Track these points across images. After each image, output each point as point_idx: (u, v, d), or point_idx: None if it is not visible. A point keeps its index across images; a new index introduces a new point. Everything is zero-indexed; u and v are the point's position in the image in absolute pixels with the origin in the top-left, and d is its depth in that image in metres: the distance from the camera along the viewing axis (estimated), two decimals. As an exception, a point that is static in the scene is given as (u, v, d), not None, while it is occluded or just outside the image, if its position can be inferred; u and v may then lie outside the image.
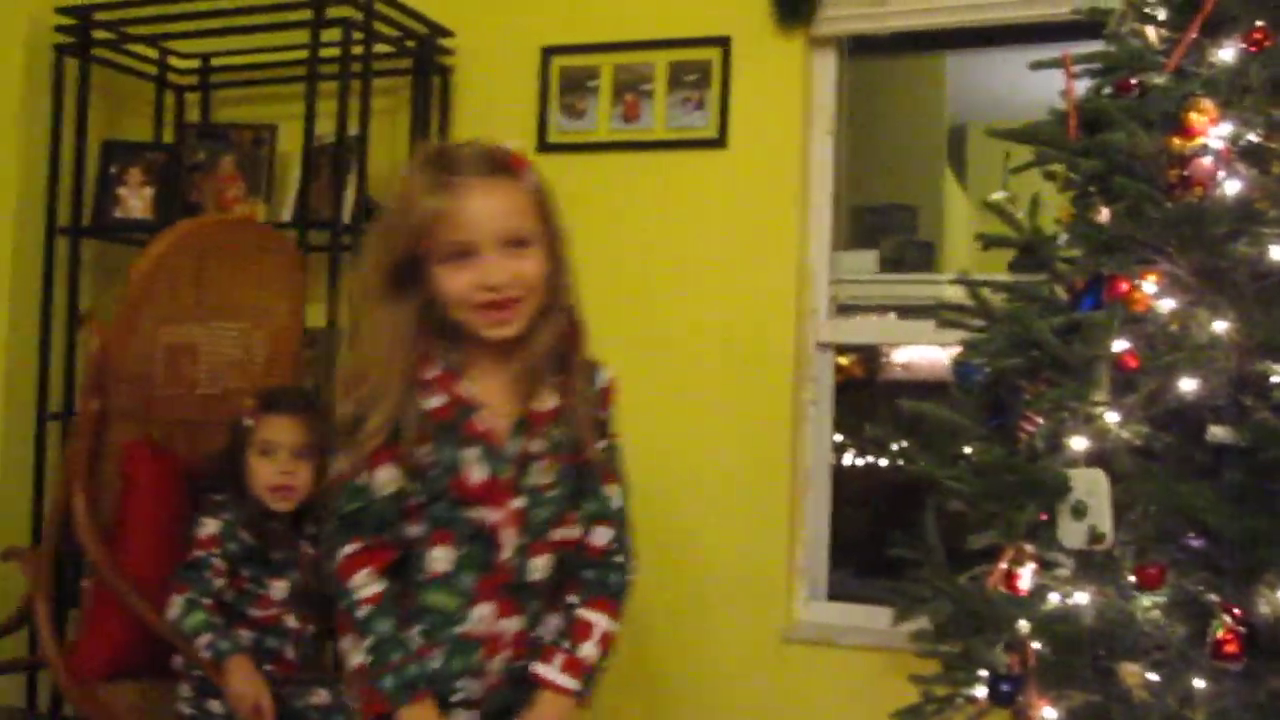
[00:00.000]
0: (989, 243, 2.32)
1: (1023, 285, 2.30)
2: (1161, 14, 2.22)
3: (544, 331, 1.71)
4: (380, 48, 3.28)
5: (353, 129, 3.21)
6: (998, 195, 2.32)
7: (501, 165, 1.67)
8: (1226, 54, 2.12)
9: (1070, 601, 2.07)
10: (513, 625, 1.72)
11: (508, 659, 1.73)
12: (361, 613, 1.69)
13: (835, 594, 3.26)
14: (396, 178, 1.75)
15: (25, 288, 3.45)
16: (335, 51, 3.15)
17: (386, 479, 1.70)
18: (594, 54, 3.34)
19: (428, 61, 3.41)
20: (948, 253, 5.15)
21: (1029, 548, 2.14)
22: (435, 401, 1.70)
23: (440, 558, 1.70)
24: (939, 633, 2.27)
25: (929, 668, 2.32)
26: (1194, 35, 2.14)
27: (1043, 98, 2.38)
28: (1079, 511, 1.98)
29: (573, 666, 1.74)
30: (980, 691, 2.18)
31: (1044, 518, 2.08)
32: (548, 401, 1.74)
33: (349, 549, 1.72)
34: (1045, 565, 2.15)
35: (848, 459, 4.04)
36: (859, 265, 3.32)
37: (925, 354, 4.63)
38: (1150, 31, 2.24)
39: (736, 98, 3.22)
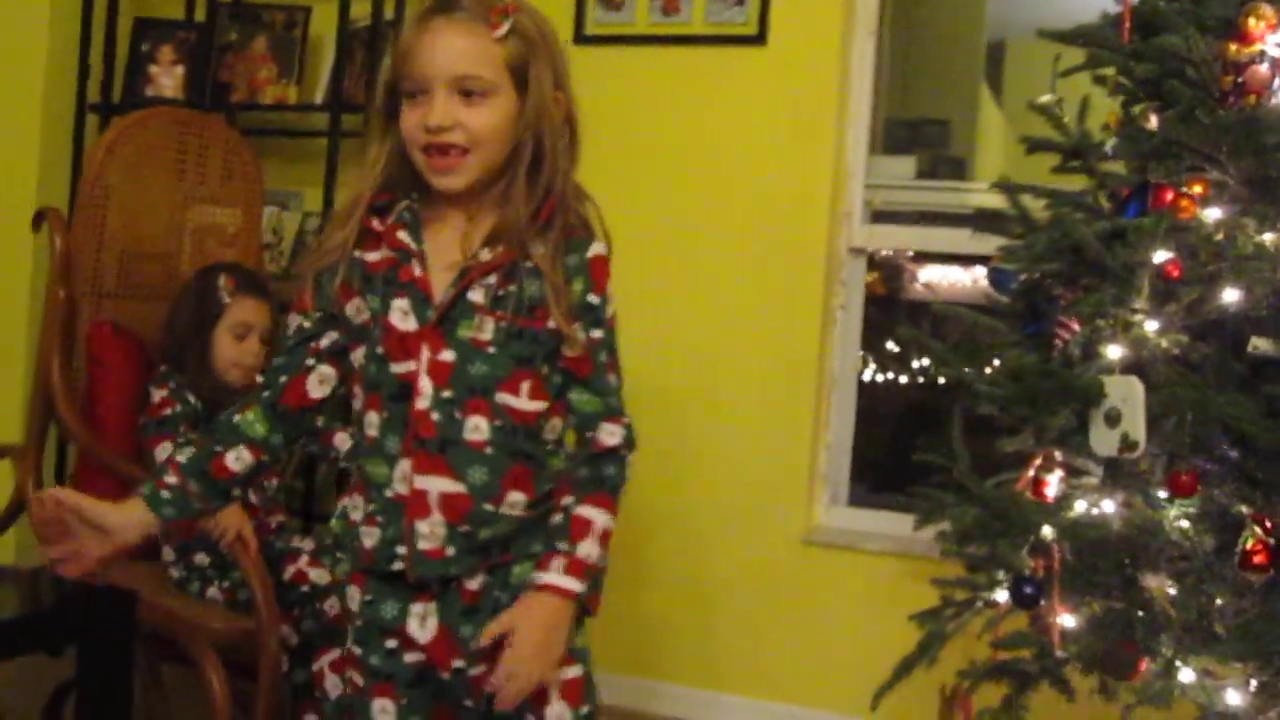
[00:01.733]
0: (1033, 146, 2.28)
1: (1066, 193, 2.26)
2: (1223, -85, 2.16)
3: (505, 192, 1.62)
4: (417, -70, 3.21)
5: (388, 14, 3.17)
6: (1045, 98, 2.28)
7: (475, 9, 1.60)
8: (1289, -42, 2.07)
9: (1097, 510, 2.07)
10: (440, 485, 1.59)
11: (446, 524, 1.60)
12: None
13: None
14: None
15: (55, 164, 3.43)
16: (372, -68, 3.09)
17: (295, 327, 1.71)
18: (635, -56, 3.28)
19: (465, -53, 3.34)
20: (980, 169, 5.09)
21: (1058, 454, 2.14)
22: (374, 255, 1.65)
23: (373, 423, 1.62)
24: (962, 537, 2.27)
25: (949, 574, 2.33)
26: (1256, -63, 2.08)
27: (1084, 17, 2.33)
28: (1112, 419, 1.97)
29: (575, 568, 1.60)
30: (1001, 596, 2.19)
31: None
32: (497, 254, 1.62)
33: None
34: (1073, 473, 2.14)
35: (867, 375, 4.03)
36: (896, 171, 3.28)
37: (948, 274, 4.60)
38: (1211, -67, 2.18)
39: (778, -6, 3.16)
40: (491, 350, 1.60)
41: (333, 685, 2.48)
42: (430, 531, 1.60)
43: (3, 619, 2.09)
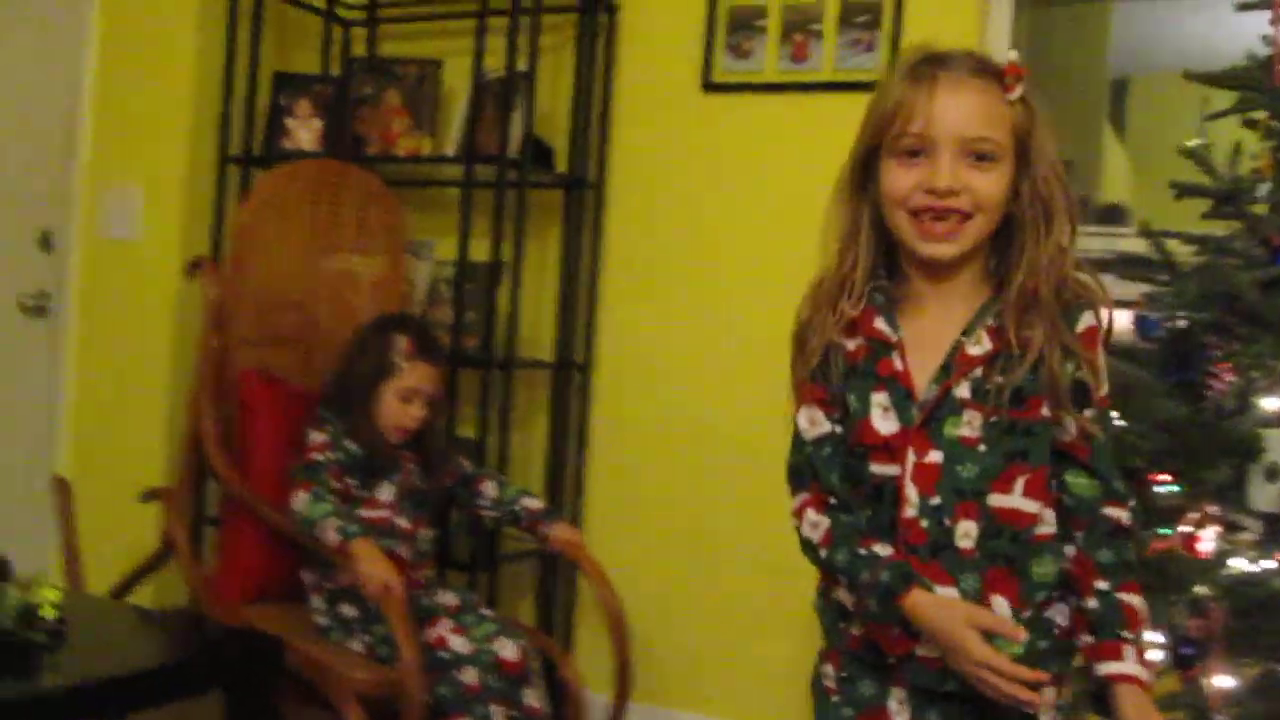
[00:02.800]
0: (1183, 191, 2.23)
1: (1216, 238, 2.21)
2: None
3: (997, 269, 1.51)
4: (548, -16, 3.27)
5: (520, 65, 3.22)
6: (1193, 142, 2.23)
7: (987, 68, 1.50)
8: None
9: (1254, 568, 2.00)
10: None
11: None
12: (823, 555, 1.56)
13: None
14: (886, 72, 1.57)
15: (197, 215, 3.52)
16: (504, -13, 3.14)
17: (807, 423, 1.58)
18: (763, -7, 3.29)
19: (595, -1, 3.39)
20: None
21: (1212, 509, 2.07)
22: (852, 343, 1.55)
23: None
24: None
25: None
26: None
27: (1205, 50, 2.28)
28: (1273, 474, 1.91)
29: (1144, 659, 1.50)
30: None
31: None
32: (984, 343, 1.50)
33: (794, 503, 1.60)
34: (1230, 528, 2.07)
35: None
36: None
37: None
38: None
39: (908, 40, 3.13)
40: (982, 448, 1.49)
41: None
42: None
43: (153, 666, 2.13)
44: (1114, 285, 2.56)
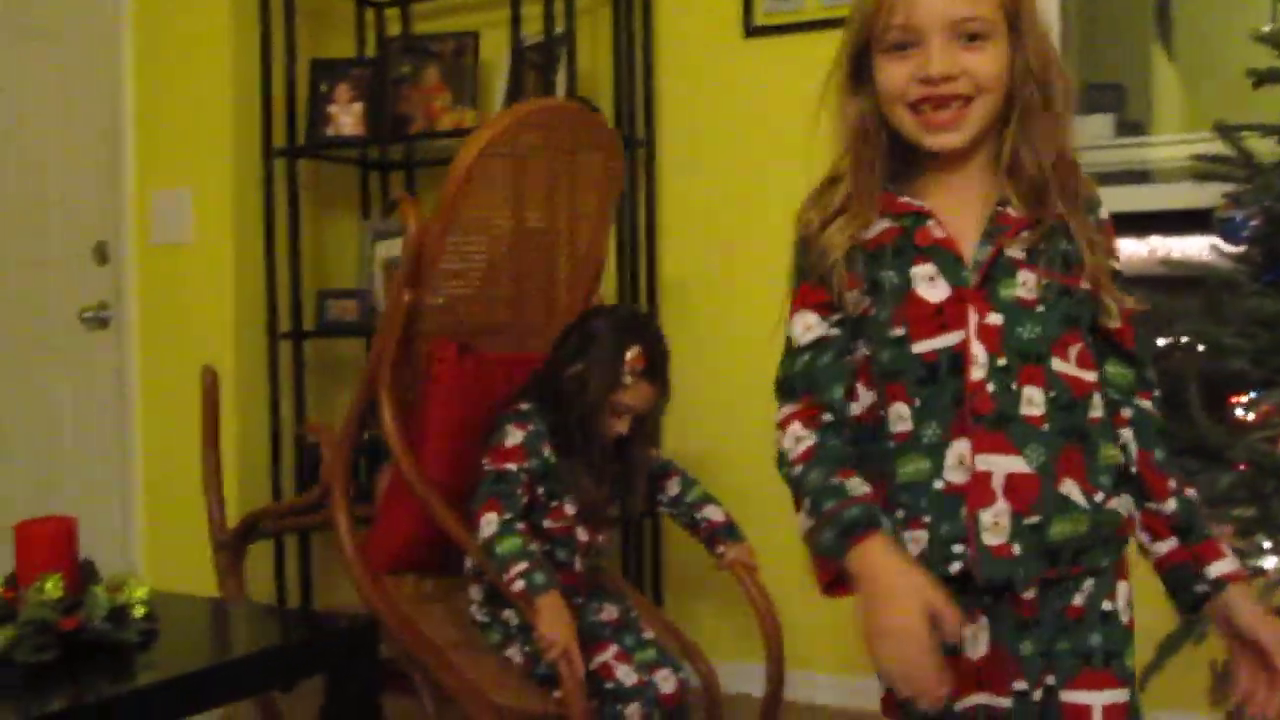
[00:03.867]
0: (1262, 78, 2.14)
1: (1300, 125, 2.12)
2: None
3: (1011, 146, 1.43)
4: (579, -59, 3.21)
5: (558, 28, 3.16)
6: (1268, 27, 2.14)
7: None
8: None
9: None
10: (1006, 464, 1.40)
11: (1012, 514, 1.40)
12: (794, 473, 1.47)
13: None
14: None
15: (247, 211, 3.51)
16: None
17: (801, 328, 1.51)
18: (801, -71, 3.22)
19: (627, -49, 3.33)
20: (1159, 131, 4.89)
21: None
22: (872, 230, 1.47)
23: (899, 417, 1.44)
24: (1215, 503, 2.13)
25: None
26: None
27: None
28: (1384, 361, 1.83)
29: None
30: (1269, 562, 2.05)
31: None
32: (1025, 211, 1.44)
33: (780, 414, 1.52)
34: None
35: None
36: (1094, 131, 3.14)
37: (1123, 246, 4.43)
38: None
39: (953, -38, 3.05)
40: (1040, 309, 1.43)
41: None
42: (995, 523, 1.39)
43: (242, 657, 2.10)
44: (1189, 192, 2.50)
